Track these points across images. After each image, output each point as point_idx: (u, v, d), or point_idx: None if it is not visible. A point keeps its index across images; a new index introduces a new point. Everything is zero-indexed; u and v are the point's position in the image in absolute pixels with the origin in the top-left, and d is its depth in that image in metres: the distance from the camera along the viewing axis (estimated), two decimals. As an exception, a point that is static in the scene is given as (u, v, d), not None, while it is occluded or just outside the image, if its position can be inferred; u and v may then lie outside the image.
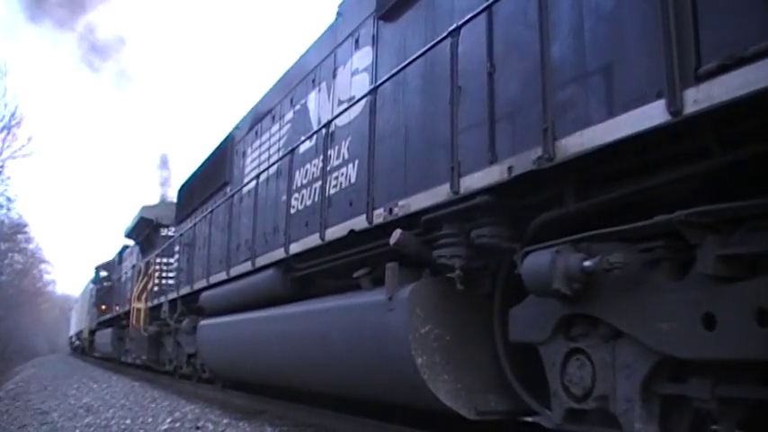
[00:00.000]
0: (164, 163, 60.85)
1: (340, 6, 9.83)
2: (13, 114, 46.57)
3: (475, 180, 5.82)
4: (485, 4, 5.93)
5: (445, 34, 6.25)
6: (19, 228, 53.78)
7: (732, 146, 4.00)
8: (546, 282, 4.83)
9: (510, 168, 5.38)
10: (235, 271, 12.30)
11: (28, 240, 59.74)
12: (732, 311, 3.89)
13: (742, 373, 4.10)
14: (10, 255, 58.24)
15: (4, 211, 49.22)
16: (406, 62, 7.06)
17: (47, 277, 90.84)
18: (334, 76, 9.53)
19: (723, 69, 3.75)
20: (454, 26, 6.15)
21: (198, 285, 14.86)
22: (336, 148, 8.92)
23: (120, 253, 32.82)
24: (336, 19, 9.93)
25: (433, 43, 6.55)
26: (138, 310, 21.50)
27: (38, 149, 48.84)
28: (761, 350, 3.73)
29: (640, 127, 4.24)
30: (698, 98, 3.88)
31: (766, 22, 3.62)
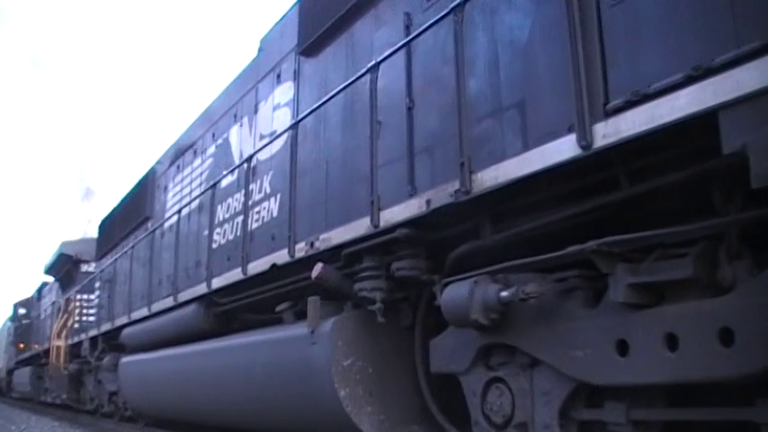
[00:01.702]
0: (87, 195, 59.65)
1: (262, 41, 9.89)
2: None
3: (394, 213, 5.91)
4: (403, 41, 6.05)
5: (364, 70, 6.35)
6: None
7: (639, 178, 4.14)
8: (464, 312, 4.90)
9: (428, 201, 5.48)
10: (156, 306, 12.17)
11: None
12: (643, 337, 4.01)
13: (655, 397, 4.22)
14: None
15: None
16: (326, 97, 7.15)
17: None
18: (256, 110, 9.57)
19: (629, 105, 3.90)
20: (373, 62, 6.25)
21: (119, 322, 14.62)
22: (258, 182, 8.94)
23: (40, 290, 32.12)
24: (258, 54, 9.99)
25: (352, 79, 6.64)
26: (59, 347, 21.05)
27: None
28: (671, 374, 3.85)
29: (553, 160, 4.37)
30: (606, 132, 4.03)
31: (668, 61, 3.79)
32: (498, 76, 5.16)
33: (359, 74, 6.51)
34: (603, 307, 4.35)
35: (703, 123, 3.51)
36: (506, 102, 5.02)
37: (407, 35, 6.16)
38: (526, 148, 4.68)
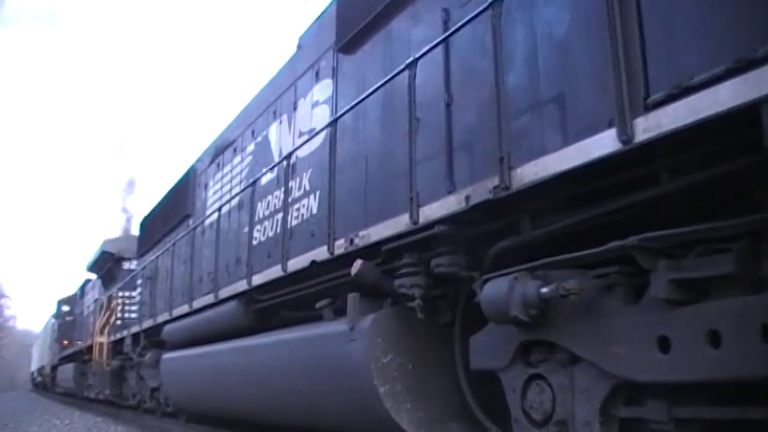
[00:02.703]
0: (130, 186, 60.11)
1: (300, 39, 9.92)
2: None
3: (433, 210, 5.89)
4: (441, 36, 6.04)
5: (402, 67, 6.34)
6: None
7: (680, 173, 4.10)
8: (504, 309, 4.88)
9: (467, 198, 5.45)
10: (197, 303, 12.26)
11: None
12: (685, 334, 3.97)
13: (697, 394, 4.17)
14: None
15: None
16: (365, 94, 7.14)
17: (7, 312, 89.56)
18: (295, 108, 9.59)
19: (670, 99, 3.86)
20: (411, 59, 6.24)
21: (160, 318, 14.76)
22: (297, 179, 8.96)
23: (83, 287, 32.52)
24: (297, 51, 10.02)
25: (391, 75, 6.63)
26: (101, 344, 21.30)
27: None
28: (714, 371, 3.80)
29: (593, 155, 4.34)
30: (647, 127, 3.98)
31: (709, 53, 3.74)
32: (537, 71, 5.13)
33: (397, 70, 6.49)
34: (644, 303, 4.31)
35: (745, 117, 3.46)
36: (545, 96, 4.99)
37: (445, 31, 6.14)
38: (566, 143, 4.65)
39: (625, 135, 4.08)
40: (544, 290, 4.72)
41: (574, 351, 4.75)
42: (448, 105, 6.03)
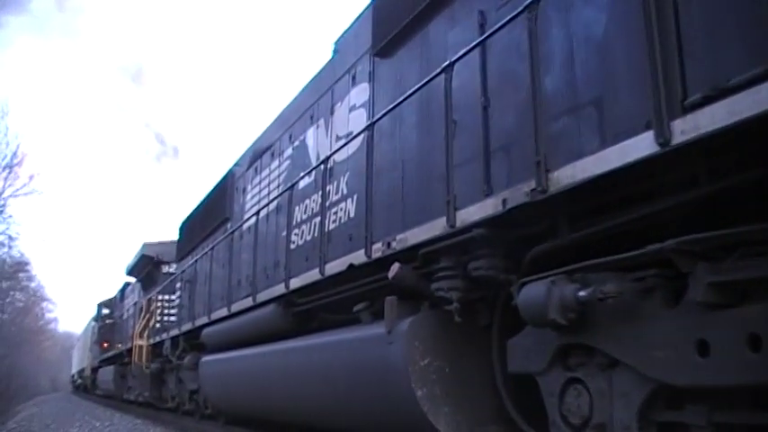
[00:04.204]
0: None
1: (336, 44, 9.96)
2: (14, 153, 46.79)
3: (471, 213, 5.89)
4: (478, 40, 6.04)
5: (439, 70, 6.35)
6: (21, 266, 53.66)
7: (720, 174, 4.07)
8: (542, 312, 4.87)
9: (504, 201, 5.45)
10: (236, 307, 12.34)
11: (30, 279, 59.57)
12: (725, 338, 3.93)
13: (737, 399, 4.14)
14: (12, 293, 58.09)
15: (5, 249, 49.20)
16: (401, 98, 7.15)
17: (49, 315, 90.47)
18: (332, 112, 9.64)
19: (708, 100, 3.84)
20: (448, 62, 6.25)
21: (199, 322, 14.87)
22: (335, 183, 9.00)
23: (122, 290, 32.84)
24: (333, 56, 10.06)
25: (427, 79, 6.64)
26: (141, 347, 21.48)
27: (40, 187, 48.64)
28: (753, 375, 3.77)
29: (631, 158, 4.32)
30: (685, 129, 3.96)
31: (748, 54, 3.71)
32: (574, 73, 5.11)
33: (433, 74, 6.50)
34: (683, 306, 4.28)
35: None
36: (582, 98, 4.97)
37: (482, 34, 6.14)
38: (603, 145, 4.62)
39: (662, 137, 4.06)
40: (582, 293, 4.71)
41: (612, 355, 4.73)
42: (485, 108, 6.03)
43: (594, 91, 4.87)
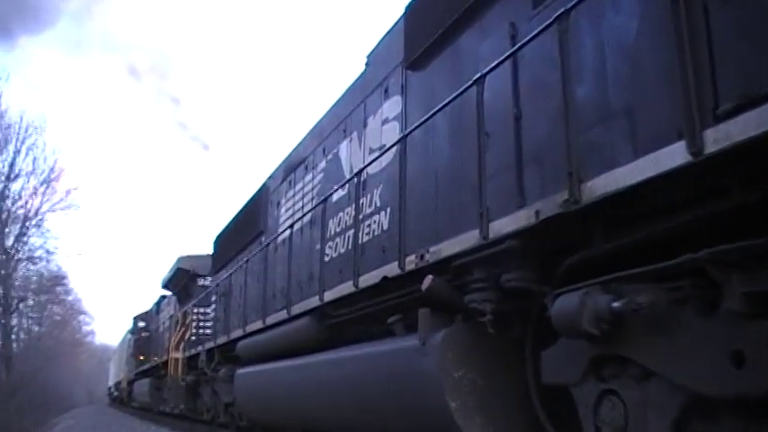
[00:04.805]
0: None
1: (369, 56, 10.01)
2: (52, 168, 47.50)
3: (503, 224, 5.89)
4: (509, 51, 6.05)
5: (471, 82, 6.37)
6: (58, 280, 54.22)
7: (753, 183, 4.05)
8: (575, 323, 4.86)
9: (537, 212, 5.45)
10: (271, 319, 12.40)
11: (67, 292, 60.07)
12: (760, 348, 3.91)
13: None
14: (49, 306, 58.68)
15: (43, 263, 49.78)
16: (433, 110, 7.17)
17: (86, 328, 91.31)
18: (365, 125, 9.68)
19: (740, 109, 3.83)
20: (479, 74, 6.26)
21: (234, 334, 14.94)
22: (368, 196, 9.03)
23: (158, 303, 33.11)
24: (365, 69, 10.12)
25: (459, 91, 6.65)
26: (176, 359, 21.63)
27: (76, 201, 49.36)
28: (790, 387, 3.75)
29: (663, 167, 4.31)
30: (717, 138, 3.95)
31: None
32: (606, 83, 5.10)
33: (465, 86, 6.52)
34: (718, 317, 4.25)
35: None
36: (614, 108, 4.97)
37: (513, 45, 6.15)
38: (635, 155, 4.61)
39: (695, 146, 4.05)
40: (615, 304, 4.70)
41: (647, 365, 4.71)
42: (517, 119, 6.03)
43: (626, 100, 4.86)
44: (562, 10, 5.27)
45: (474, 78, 6.32)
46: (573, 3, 5.18)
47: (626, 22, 4.99)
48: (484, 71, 6.24)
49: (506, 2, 6.58)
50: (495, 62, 6.13)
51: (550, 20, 5.38)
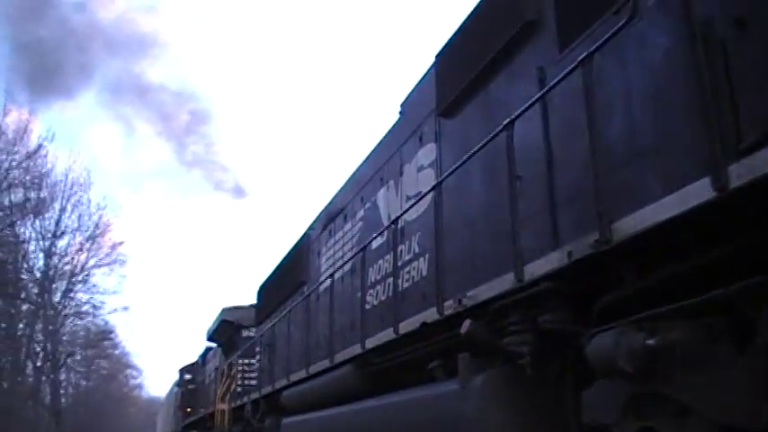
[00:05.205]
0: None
1: (402, 105, 10.17)
2: (96, 224, 48.28)
3: (538, 267, 5.96)
4: (537, 95, 6.15)
5: (500, 128, 6.48)
6: (105, 334, 54.79)
7: None
8: (611, 362, 4.88)
9: (570, 253, 5.52)
10: (314, 368, 12.47)
11: (114, 346, 60.67)
12: None
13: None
14: (96, 361, 59.22)
15: (90, 318, 50.38)
16: (466, 156, 7.28)
17: (133, 381, 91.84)
18: (401, 172, 9.80)
19: (762, 142, 3.89)
20: (508, 120, 6.37)
21: (279, 384, 15.03)
22: (407, 243, 9.13)
23: (204, 355, 33.24)
24: (399, 117, 10.28)
25: (489, 137, 6.75)
26: (222, 411, 21.68)
27: (122, 256, 50.19)
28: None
29: (690, 204, 4.37)
30: (741, 173, 4.01)
31: None
32: (632, 122, 5.18)
33: (495, 132, 6.63)
34: (752, 351, 4.26)
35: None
36: (640, 147, 5.03)
37: (542, 89, 6.26)
38: (662, 193, 4.68)
39: (719, 182, 4.11)
40: (650, 341, 4.72)
41: (684, 402, 4.72)
42: (548, 162, 6.12)
43: (652, 139, 4.93)
44: (585, 54, 5.38)
45: (503, 124, 6.43)
46: (596, 45, 5.29)
47: (650, 62, 5.08)
48: (512, 116, 6.35)
49: (534, 47, 6.70)
50: (523, 107, 6.24)
51: (574, 63, 5.49)
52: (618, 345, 4.85)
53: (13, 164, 39.39)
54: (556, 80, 5.83)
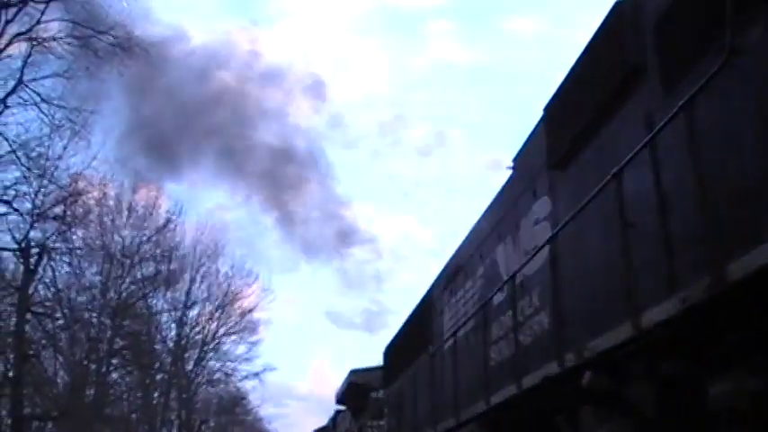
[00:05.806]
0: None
1: (514, 160, 10.24)
2: (226, 294, 49.40)
3: (654, 314, 5.88)
4: (644, 140, 6.10)
5: (609, 176, 6.47)
6: (237, 400, 55.62)
7: None
8: (731, 408, 4.81)
9: (684, 299, 5.44)
10: (440, 427, 12.50)
11: (246, 412, 61.42)
12: None
13: None
14: (230, 427, 59.94)
15: (222, 386, 51.32)
16: (578, 208, 7.28)
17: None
18: (518, 227, 9.84)
19: None
20: (616, 169, 6.37)
21: (408, 445, 15.08)
22: (527, 297, 9.13)
23: (334, 418, 33.57)
24: (512, 173, 10.34)
25: (599, 187, 6.73)
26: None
27: (251, 324, 51.19)
28: None
29: None
30: None
31: None
32: (741, 157, 5.10)
33: (604, 181, 6.63)
34: None
35: None
36: (751, 182, 4.92)
37: (648, 134, 6.22)
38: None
39: None
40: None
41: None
42: (660, 207, 6.06)
43: (764, 174, 4.84)
44: (687, 97, 5.36)
45: (612, 172, 6.42)
46: (696, 88, 5.27)
47: (756, 98, 5.02)
48: (621, 165, 6.33)
49: (641, 93, 6.66)
50: (630, 154, 6.21)
51: (675, 108, 5.47)
52: (736, 389, 4.77)
53: (144, 239, 40.95)
54: (662, 123, 5.79)
